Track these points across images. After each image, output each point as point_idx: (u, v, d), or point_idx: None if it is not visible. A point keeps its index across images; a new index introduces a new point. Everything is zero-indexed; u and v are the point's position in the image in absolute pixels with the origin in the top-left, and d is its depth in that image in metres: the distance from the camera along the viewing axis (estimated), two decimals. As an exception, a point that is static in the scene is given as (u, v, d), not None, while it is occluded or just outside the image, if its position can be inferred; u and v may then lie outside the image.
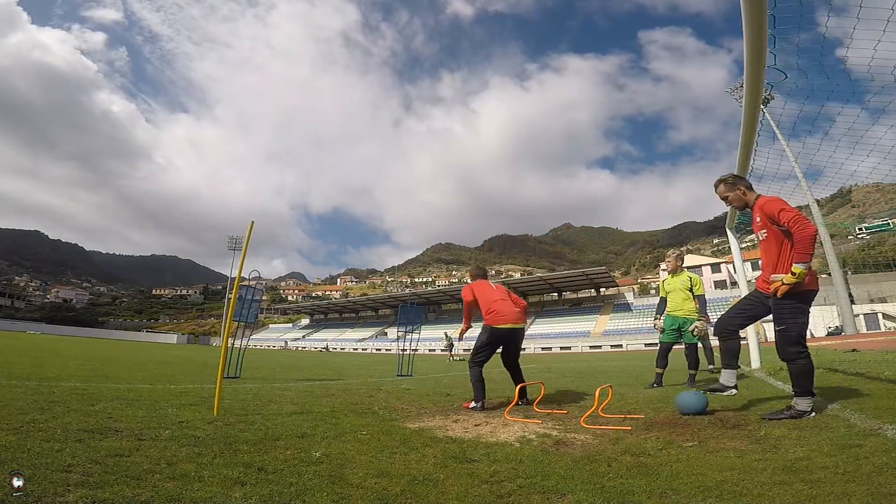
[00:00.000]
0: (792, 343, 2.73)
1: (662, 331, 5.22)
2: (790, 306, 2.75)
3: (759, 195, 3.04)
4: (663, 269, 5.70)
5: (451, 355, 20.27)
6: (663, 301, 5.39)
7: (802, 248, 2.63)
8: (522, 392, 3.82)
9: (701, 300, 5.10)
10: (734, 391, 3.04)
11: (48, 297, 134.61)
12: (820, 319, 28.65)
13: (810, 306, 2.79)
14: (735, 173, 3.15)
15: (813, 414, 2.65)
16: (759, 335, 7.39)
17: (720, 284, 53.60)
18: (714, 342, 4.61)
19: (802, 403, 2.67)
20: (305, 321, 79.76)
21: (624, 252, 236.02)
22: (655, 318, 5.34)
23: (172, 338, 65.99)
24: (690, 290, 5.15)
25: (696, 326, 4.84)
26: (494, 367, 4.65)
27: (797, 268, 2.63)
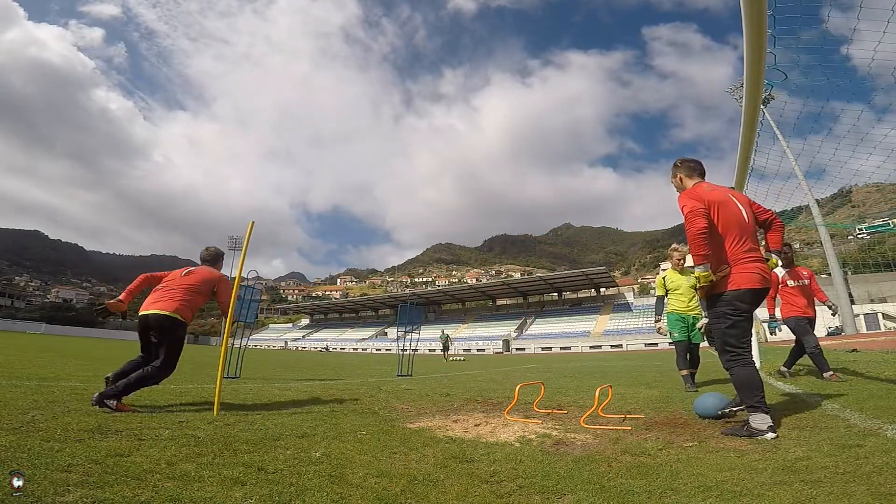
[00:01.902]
0: (721, 352, 2.51)
1: (668, 333, 4.85)
2: (713, 313, 2.57)
3: (700, 183, 2.71)
4: (664, 268, 5.32)
5: (447, 355, 20.23)
6: (662, 300, 4.95)
7: (691, 248, 2.43)
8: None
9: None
10: (771, 435, 2.20)
11: (48, 297, 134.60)
12: (820, 319, 28.61)
13: (739, 309, 2.44)
14: (685, 157, 2.83)
15: (770, 436, 2.17)
16: (758, 334, 7.38)
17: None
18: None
19: (754, 421, 2.27)
20: (305, 321, 79.77)
21: (625, 252, 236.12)
22: (658, 320, 4.85)
23: (172, 338, 65.74)
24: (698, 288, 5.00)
25: (704, 324, 4.60)
26: (494, 366, 4.64)
27: (696, 271, 2.44)
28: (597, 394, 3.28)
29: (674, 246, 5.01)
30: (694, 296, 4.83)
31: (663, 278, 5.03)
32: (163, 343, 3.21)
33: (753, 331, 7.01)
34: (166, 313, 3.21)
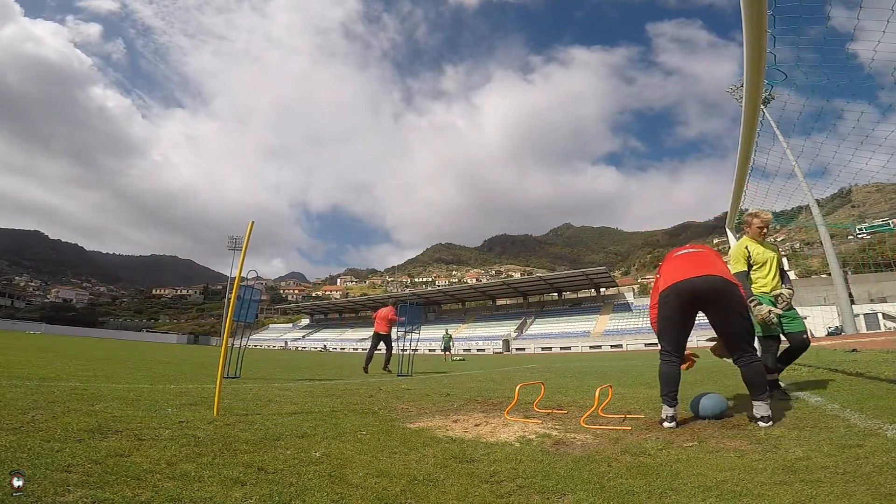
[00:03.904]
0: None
1: (780, 318, 3.45)
2: None
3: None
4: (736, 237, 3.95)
5: (447, 355, 20.20)
6: (746, 276, 3.53)
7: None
8: None
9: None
10: (667, 424, 2.59)
11: (48, 297, 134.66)
12: (820, 319, 28.65)
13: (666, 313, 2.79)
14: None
15: (666, 425, 2.57)
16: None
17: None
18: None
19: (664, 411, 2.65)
20: (305, 321, 79.76)
21: (625, 252, 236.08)
22: (755, 303, 3.36)
23: (172, 338, 65.96)
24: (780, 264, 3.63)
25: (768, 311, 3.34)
26: (494, 366, 4.63)
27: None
28: (597, 394, 3.28)
29: (753, 211, 3.81)
30: (776, 274, 3.58)
31: (745, 247, 3.62)
32: (386, 343, 9.17)
33: None
34: (383, 333, 9.13)
